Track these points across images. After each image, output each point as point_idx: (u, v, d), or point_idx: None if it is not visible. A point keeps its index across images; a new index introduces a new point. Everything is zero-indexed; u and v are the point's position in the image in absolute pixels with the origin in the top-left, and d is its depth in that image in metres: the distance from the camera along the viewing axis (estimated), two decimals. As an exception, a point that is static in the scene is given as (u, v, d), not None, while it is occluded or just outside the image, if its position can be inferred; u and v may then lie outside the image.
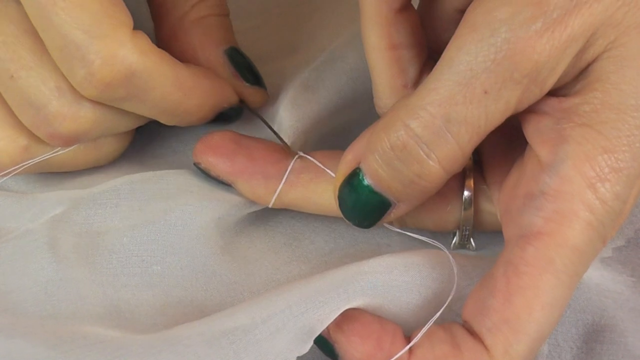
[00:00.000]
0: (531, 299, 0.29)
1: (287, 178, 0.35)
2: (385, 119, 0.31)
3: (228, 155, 0.36)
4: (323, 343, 0.31)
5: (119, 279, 0.35)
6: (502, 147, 0.34)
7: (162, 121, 0.36)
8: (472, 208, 0.34)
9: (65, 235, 0.35)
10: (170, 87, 0.34)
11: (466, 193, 0.34)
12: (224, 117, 0.38)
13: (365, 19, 0.33)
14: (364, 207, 0.32)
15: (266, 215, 0.38)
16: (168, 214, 0.35)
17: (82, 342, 0.30)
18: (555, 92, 0.30)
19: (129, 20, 0.33)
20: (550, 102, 0.30)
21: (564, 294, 0.29)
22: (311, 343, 0.30)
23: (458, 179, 0.33)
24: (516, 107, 0.29)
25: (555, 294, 0.29)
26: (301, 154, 0.36)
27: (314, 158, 0.36)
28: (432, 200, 0.32)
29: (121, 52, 0.32)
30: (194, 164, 0.37)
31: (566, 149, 0.29)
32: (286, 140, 0.38)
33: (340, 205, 0.33)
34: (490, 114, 0.29)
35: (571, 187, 0.29)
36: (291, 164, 0.35)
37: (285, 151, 0.36)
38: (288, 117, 0.39)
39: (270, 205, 0.36)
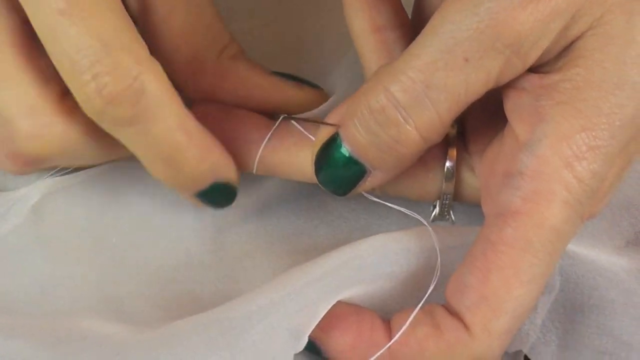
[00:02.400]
0: (509, 277, 0.29)
1: (270, 142, 0.35)
2: (368, 84, 0.31)
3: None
4: (307, 343, 0.31)
5: (114, 278, 0.35)
6: (485, 118, 0.34)
7: (152, 170, 0.33)
8: (454, 178, 0.33)
9: (53, 231, 0.35)
10: (175, 123, 0.31)
11: (448, 163, 0.33)
12: (215, 193, 0.34)
13: (346, 4, 0.33)
14: (339, 173, 0.32)
15: (264, 213, 0.38)
16: (159, 210, 0.36)
17: (81, 344, 0.30)
18: (536, 69, 0.30)
19: (144, 44, 0.31)
20: (531, 78, 0.30)
21: (543, 271, 0.29)
22: (306, 340, 0.30)
23: (441, 148, 0.33)
24: (497, 78, 0.29)
25: (534, 271, 0.29)
26: (284, 116, 0.35)
27: (301, 122, 0.35)
28: (414, 168, 0.32)
29: (137, 69, 0.30)
30: None
31: (544, 128, 0.29)
32: None
33: (316, 171, 0.32)
34: (470, 83, 0.29)
35: (548, 167, 0.29)
36: (276, 124, 0.35)
37: (270, 117, 0.36)
38: None
39: (254, 171, 0.35)
